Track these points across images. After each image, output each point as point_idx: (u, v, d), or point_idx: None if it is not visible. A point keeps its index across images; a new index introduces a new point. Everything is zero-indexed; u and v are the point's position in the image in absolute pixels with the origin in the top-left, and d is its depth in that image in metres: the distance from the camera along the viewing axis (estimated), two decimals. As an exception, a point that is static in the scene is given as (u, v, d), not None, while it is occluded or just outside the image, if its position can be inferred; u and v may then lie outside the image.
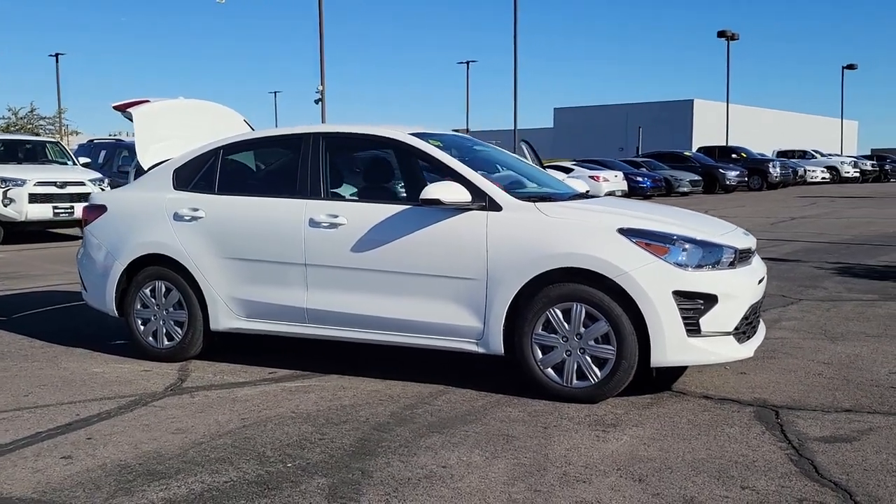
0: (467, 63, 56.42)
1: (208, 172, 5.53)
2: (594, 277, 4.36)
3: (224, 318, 5.34)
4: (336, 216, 4.95)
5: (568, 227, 4.50)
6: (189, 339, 5.45)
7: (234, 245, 5.25)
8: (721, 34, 42.63)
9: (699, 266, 4.37)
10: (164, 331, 5.53)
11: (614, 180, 25.37)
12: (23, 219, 13.77)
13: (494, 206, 4.64)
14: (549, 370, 4.50)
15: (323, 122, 28.83)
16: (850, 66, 57.60)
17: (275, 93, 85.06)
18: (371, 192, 5.23)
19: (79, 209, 14.25)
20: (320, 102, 28.18)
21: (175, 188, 5.58)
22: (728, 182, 30.54)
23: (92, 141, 20.02)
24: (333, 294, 4.98)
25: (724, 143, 40.59)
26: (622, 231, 4.40)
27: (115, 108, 6.07)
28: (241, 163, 5.68)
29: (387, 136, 5.18)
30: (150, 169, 5.92)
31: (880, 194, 29.07)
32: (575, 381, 4.44)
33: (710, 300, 4.31)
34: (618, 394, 4.47)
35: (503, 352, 4.61)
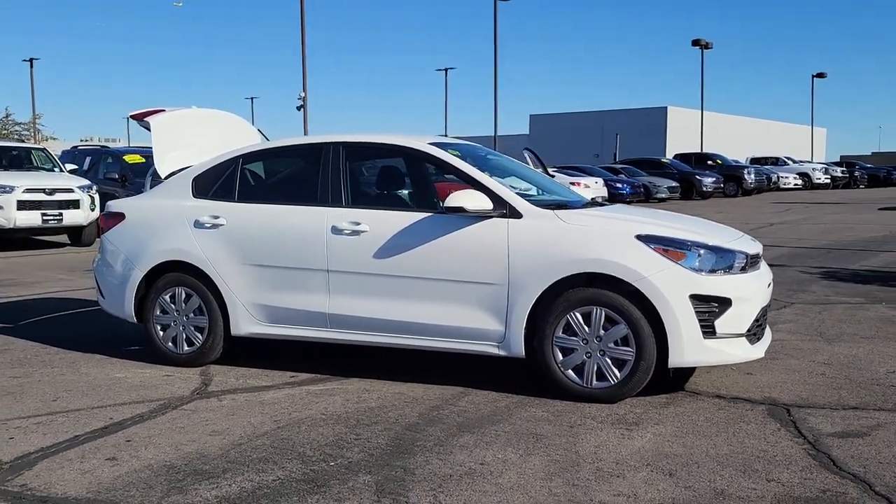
0: (445, 70, 56.77)
1: (228, 181, 5.64)
2: (614, 282, 4.55)
3: (245, 324, 5.46)
4: (358, 223, 5.09)
5: (587, 233, 4.68)
6: (209, 344, 5.56)
7: (255, 252, 5.36)
8: (696, 42, 43.32)
9: (713, 271, 4.57)
10: (185, 336, 5.62)
11: (595, 187, 25.69)
12: (11, 226, 13.70)
13: (515, 214, 4.81)
14: (570, 371, 4.67)
15: (305, 128, 28.90)
16: (820, 75, 58.77)
17: (251, 98, 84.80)
18: (392, 200, 5.38)
19: (67, 216, 14.25)
20: (302, 109, 28.23)
21: (194, 196, 5.68)
22: (705, 188, 31.06)
23: (77, 147, 19.92)
24: (356, 299, 5.12)
25: (699, 150, 41.24)
26: (640, 237, 4.59)
27: (132, 117, 6.16)
28: (261, 171, 5.79)
29: (408, 145, 5.34)
30: (167, 177, 6.02)
31: (852, 200, 29.73)
32: (595, 382, 4.62)
33: (725, 303, 4.51)
34: (635, 394, 4.65)
35: (524, 354, 4.77)
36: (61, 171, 15.56)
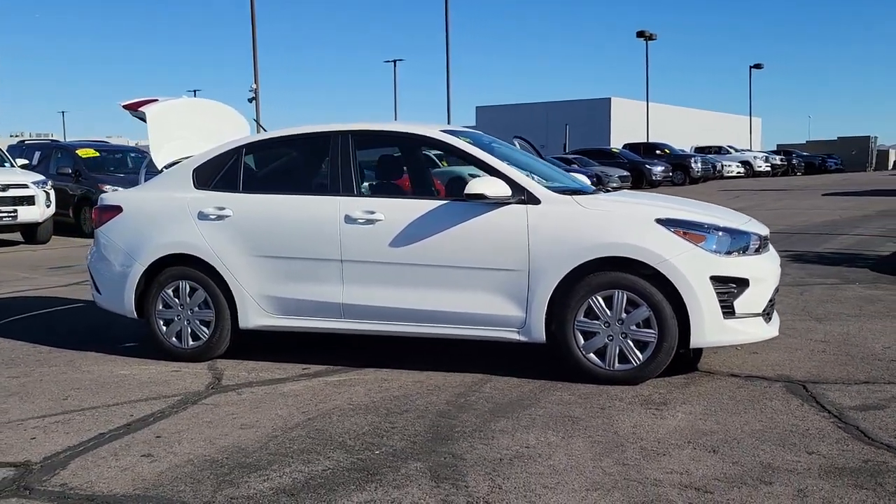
0: (394, 62, 56.47)
1: (231, 171, 5.53)
2: (635, 265, 4.61)
3: (254, 316, 5.37)
4: (373, 212, 5.05)
5: (608, 218, 4.74)
6: (216, 338, 5.45)
7: (265, 243, 5.28)
8: (640, 34, 44.01)
9: (729, 252, 4.67)
10: (189, 331, 5.51)
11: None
12: (-37, 224, 13.18)
13: (533, 200, 4.83)
14: (591, 355, 4.73)
15: (258, 120, 28.43)
16: (757, 66, 60.31)
17: (194, 91, 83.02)
18: (404, 188, 5.35)
19: (22, 213, 13.77)
20: (254, 101, 27.78)
21: (196, 187, 5.56)
22: (654, 177, 31.62)
23: (24, 142, 19.23)
24: (371, 289, 5.08)
25: (644, 140, 41.93)
26: (660, 221, 4.66)
27: (125, 107, 5.98)
28: (266, 161, 5.70)
29: (420, 133, 5.31)
30: (163, 169, 5.88)
31: (795, 187, 30.66)
32: (617, 365, 4.69)
33: (743, 284, 4.62)
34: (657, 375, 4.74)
35: (545, 339, 4.81)
36: (12, 166, 15.02)
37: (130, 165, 17.60)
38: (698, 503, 3.10)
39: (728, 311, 4.59)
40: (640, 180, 31.51)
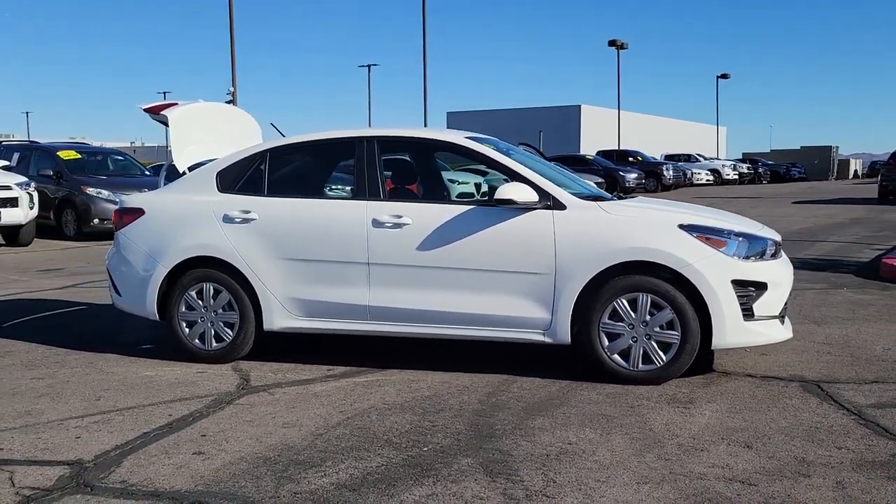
0: (369, 66, 56.49)
1: (255, 175, 5.61)
2: (659, 269, 4.79)
3: (279, 318, 5.44)
4: (400, 216, 5.16)
5: (632, 223, 4.90)
6: (240, 339, 5.52)
7: (291, 246, 5.36)
8: (612, 43, 44.60)
9: (747, 257, 4.87)
10: (213, 332, 5.56)
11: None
12: (-54, 226, 12.99)
13: (559, 206, 4.98)
14: (616, 356, 4.89)
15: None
16: (724, 76, 61.41)
17: (164, 93, 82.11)
18: (431, 193, 5.47)
19: (6, 214, 13.61)
20: (231, 104, 27.61)
21: (220, 191, 5.62)
22: (627, 184, 32.03)
23: (1, 143, 18.94)
24: (398, 291, 5.18)
25: (616, 148, 42.48)
26: (683, 227, 4.84)
27: (147, 110, 6.03)
28: (290, 166, 5.78)
29: (447, 140, 5.44)
30: (184, 172, 5.93)
31: (764, 195, 31.29)
32: (641, 365, 4.85)
33: (761, 287, 4.82)
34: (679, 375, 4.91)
35: (570, 341, 4.96)
36: (-6, 167, 14.82)
37: (111, 167, 17.50)
38: (745, 495, 3.27)
39: (748, 314, 4.78)
40: (613, 187, 31.90)
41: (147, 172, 18.10)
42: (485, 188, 17.58)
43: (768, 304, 4.85)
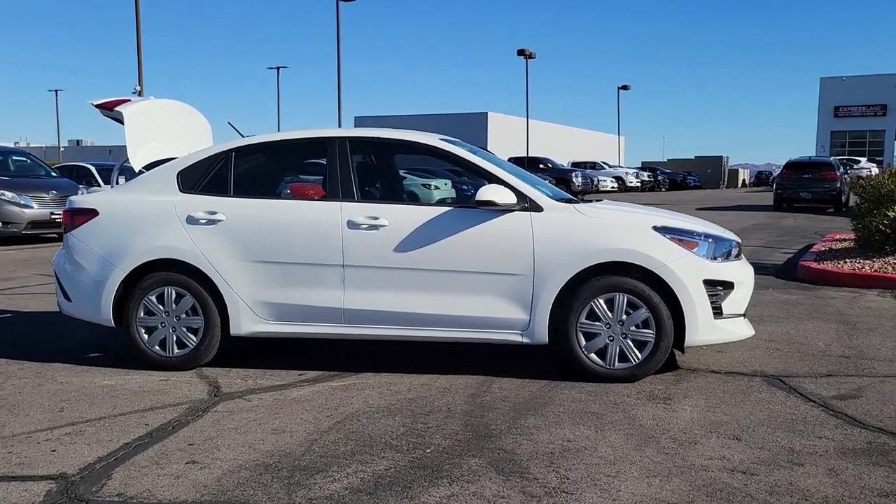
0: (277, 69, 55.49)
1: (220, 175, 5.43)
2: (635, 270, 4.91)
3: (247, 323, 5.29)
4: (376, 218, 5.11)
5: (608, 225, 5.02)
6: (205, 345, 5.33)
7: (261, 248, 5.22)
8: (520, 52, 45.43)
9: (715, 258, 5.07)
10: (175, 338, 5.35)
11: (444, 188, 26.29)
12: None
13: (536, 208, 5.05)
14: (593, 355, 4.98)
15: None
16: (625, 87, 63.56)
17: (55, 91, 78.36)
18: (406, 194, 5.43)
19: None
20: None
21: (182, 191, 5.42)
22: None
23: None
24: (374, 293, 5.13)
25: (524, 155, 43.24)
26: (657, 228, 4.99)
27: (99, 106, 5.75)
28: (257, 165, 5.63)
29: (421, 141, 5.42)
30: (140, 171, 5.69)
31: (668, 202, 32.47)
32: (617, 364, 4.97)
33: (728, 287, 5.02)
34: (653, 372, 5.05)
35: (548, 341, 5.03)
36: None
37: (12, 168, 16.59)
38: (751, 484, 3.40)
39: (717, 312, 4.97)
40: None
41: (54, 174, 17.22)
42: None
43: (735, 302, 5.06)
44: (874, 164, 52.06)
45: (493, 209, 4.99)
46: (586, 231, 4.98)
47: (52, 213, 15.37)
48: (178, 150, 6.08)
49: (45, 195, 15.37)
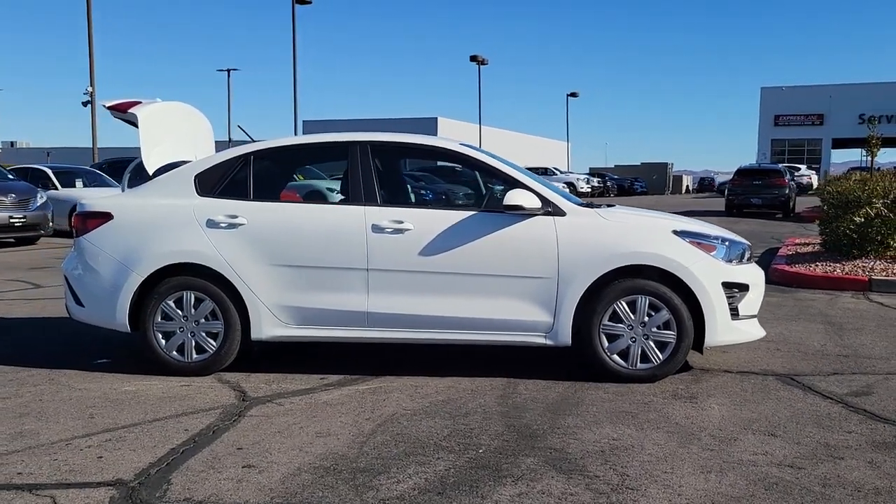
0: (228, 71, 54.70)
1: (239, 178, 5.40)
2: (657, 272, 5.05)
3: (268, 327, 5.26)
4: (401, 222, 5.14)
5: (630, 229, 5.15)
6: (225, 350, 5.28)
7: (283, 252, 5.20)
8: (473, 58, 45.74)
9: (730, 260, 5.24)
10: (194, 343, 5.29)
11: None
12: None
13: (559, 212, 5.15)
14: (615, 356, 5.10)
15: (93, 123, 26.67)
16: (573, 94, 64.47)
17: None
18: (429, 198, 5.46)
19: None
20: (89, 105, 26.01)
21: (200, 194, 5.37)
22: (497, 195, 32.89)
23: None
24: (398, 297, 5.15)
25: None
26: (676, 232, 5.14)
27: (111, 108, 5.64)
28: (276, 169, 5.60)
29: (443, 146, 5.47)
30: (154, 174, 5.61)
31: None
32: (639, 364, 5.09)
33: (744, 289, 5.19)
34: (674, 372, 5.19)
35: (571, 343, 5.13)
36: None
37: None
38: (802, 478, 3.54)
39: (734, 314, 5.14)
40: (483, 198, 32.67)
41: (11, 177, 16.72)
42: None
43: (750, 304, 5.24)
44: (813, 172, 53.99)
45: (518, 213, 5.07)
46: (609, 235, 5.10)
47: (10, 217, 14.95)
48: (186, 153, 6.02)
49: (5, 199, 14.93)
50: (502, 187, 5.84)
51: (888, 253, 10.51)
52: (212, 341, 5.29)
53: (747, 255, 5.41)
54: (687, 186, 75.39)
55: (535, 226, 5.11)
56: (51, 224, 15.87)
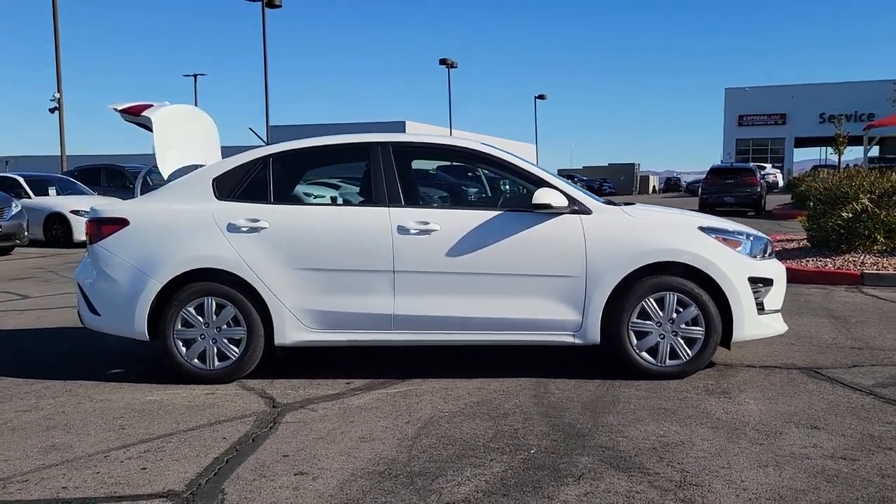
0: (195, 76, 54.03)
1: (258, 181, 5.30)
2: (684, 269, 5.06)
3: (292, 332, 5.17)
4: (427, 223, 5.09)
5: (657, 226, 5.15)
6: (248, 356, 5.17)
7: (308, 255, 5.11)
8: (443, 62, 45.76)
9: (754, 255, 5.27)
10: (216, 350, 5.18)
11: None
12: None
13: (585, 210, 5.14)
14: (644, 353, 5.10)
15: (61, 130, 26.15)
16: (541, 96, 64.84)
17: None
18: (453, 199, 5.42)
19: None
20: (57, 111, 25.49)
21: (218, 198, 5.26)
22: (471, 198, 32.93)
23: None
24: (425, 299, 5.10)
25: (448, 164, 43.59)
26: (702, 228, 5.16)
27: (123, 111, 5.50)
28: (295, 171, 5.51)
29: (466, 147, 5.43)
30: (169, 178, 5.49)
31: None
32: (668, 361, 5.10)
33: (768, 283, 5.23)
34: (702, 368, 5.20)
35: (599, 341, 5.11)
36: None
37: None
38: (859, 469, 3.56)
39: (760, 308, 5.17)
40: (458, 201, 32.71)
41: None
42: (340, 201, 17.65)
43: (774, 298, 5.28)
44: (778, 170, 54.90)
45: (546, 212, 5.05)
46: (637, 232, 5.10)
47: (-14, 227, 14.56)
48: (196, 156, 5.91)
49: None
50: (510, 186, 5.82)
51: (875, 247, 10.70)
52: (234, 348, 5.18)
53: (769, 249, 5.45)
54: (654, 186, 76.28)
55: (562, 224, 5.09)
56: (26, 234, 15.51)
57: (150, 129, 5.47)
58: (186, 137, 5.84)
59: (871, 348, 6.04)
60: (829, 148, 69.10)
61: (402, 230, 5.09)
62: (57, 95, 25.42)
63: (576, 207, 5.13)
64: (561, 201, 5.04)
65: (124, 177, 21.28)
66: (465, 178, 33.05)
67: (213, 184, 5.30)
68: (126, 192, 20.35)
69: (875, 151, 37.79)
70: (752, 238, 5.30)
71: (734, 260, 5.10)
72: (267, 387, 5.13)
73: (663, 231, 5.14)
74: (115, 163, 24.26)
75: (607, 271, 5.03)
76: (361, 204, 5.36)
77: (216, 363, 5.19)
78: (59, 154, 26.80)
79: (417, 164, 6.31)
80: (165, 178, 5.50)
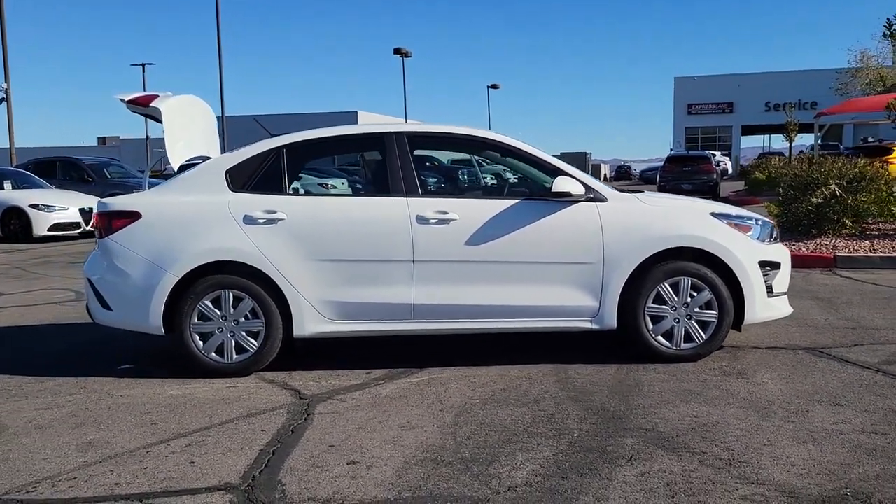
0: (143, 65, 52.77)
1: (272, 172, 5.26)
2: (698, 254, 5.18)
3: (311, 323, 5.15)
4: (446, 212, 5.11)
5: (671, 213, 5.26)
6: (266, 349, 5.14)
7: (326, 246, 5.10)
8: (397, 51, 45.57)
9: (762, 240, 5.42)
10: (233, 343, 5.13)
11: (342, 187, 26.06)
12: None
13: (601, 198, 5.22)
14: (660, 337, 5.21)
15: (10, 121, 25.37)
16: (494, 86, 65.02)
17: None
18: (470, 188, 5.44)
19: None
20: (4, 102, 24.70)
21: (232, 189, 5.20)
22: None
23: None
24: (445, 288, 5.13)
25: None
26: (714, 214, 5.28)
27: (129, 102, 5.39)
28: (312, 162, 5.46)
29: (483, 136, 5.46)
30: (180, 170, 5.41)
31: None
32: (683, 344, 5.22)
33: (776, 267, 5.39)
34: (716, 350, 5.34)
35: (616, 326, 5.21)
36: None
37: None
38: (892, 442, 3.71)
39: (769, 291, 5.33)
40: (416, 191, 32.64)
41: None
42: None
43: (781, 281, 5.44)
44: (727, 157, 56.08)
45: (563, 200, 5.12)
46: (652, 219, 5.20)
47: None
48: (199, 148, 5.83)
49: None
50: (523, 175, 5.84)
51: (844, 231, 11.06)
52: (252, 340, 5.14)
53: (775, 234, 5.61)
54: (605, 174, 77.16)
55: (579, 212, 5.16)
56: (-14, 229, 15.05)
57: (158, 120, 5.38)
58: (192, 128, 5.75)
59: (865, 328, 6.26)
60: (772, 136, 70.97)
61: (421, 220, 5.11)
62: (4, 86, 24.62)
63: (591, 195, 5.21)
64: (579, 189, 5.11)
65: (81, 169, 20.74)
66: (480, 167, 33.02)
67: (226, 175, 5.24)
68: (83, 184, 19.86)
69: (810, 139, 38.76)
70: (760, 223, 5.45)
71: (746, 245, 5.24)
72: (287, 379, 5.10)
73: (678, 218, 5.25)
74: (70, 155, 23.59)
75: (624, 258, 5.13)
76: (376, 193, 5.35)
77: (234, 356, 5.15)
78: (8, 147, 25.99)
79: (433, 154, 6.30)
80: (175, 169, 5.41)
